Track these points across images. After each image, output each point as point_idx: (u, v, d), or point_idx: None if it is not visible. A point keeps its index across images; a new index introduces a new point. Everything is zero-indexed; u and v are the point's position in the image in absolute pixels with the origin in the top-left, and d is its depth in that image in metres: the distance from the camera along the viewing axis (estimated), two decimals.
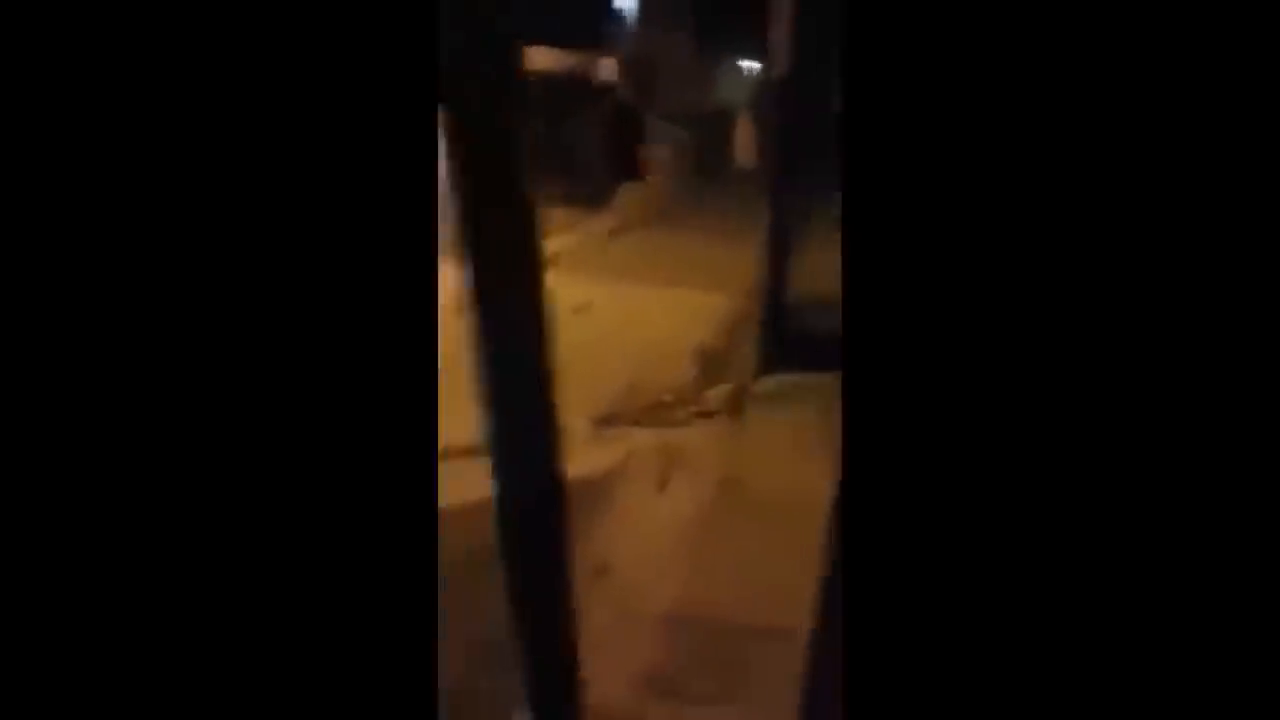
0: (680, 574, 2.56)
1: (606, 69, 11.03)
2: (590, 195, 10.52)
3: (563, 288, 6.72)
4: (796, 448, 3.42)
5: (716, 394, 4.24)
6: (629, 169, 12.37)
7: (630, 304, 6.42)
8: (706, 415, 4.03)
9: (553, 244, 8.52)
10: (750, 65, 14.32)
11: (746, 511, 2.99)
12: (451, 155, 0.89)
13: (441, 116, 0.86)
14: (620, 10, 13.74)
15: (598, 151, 11.32)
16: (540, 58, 8.86)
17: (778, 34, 3.84)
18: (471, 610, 1.40)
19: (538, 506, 1.19)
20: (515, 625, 1.27)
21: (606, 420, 4.12)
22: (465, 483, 1.38)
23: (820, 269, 3.21)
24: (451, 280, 0.96)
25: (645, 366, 4.79)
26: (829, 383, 3.30)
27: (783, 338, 4.30)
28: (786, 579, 2.38)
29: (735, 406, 4.03)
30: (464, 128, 0.89)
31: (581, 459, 3.73)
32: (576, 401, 4.23)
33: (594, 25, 12.22)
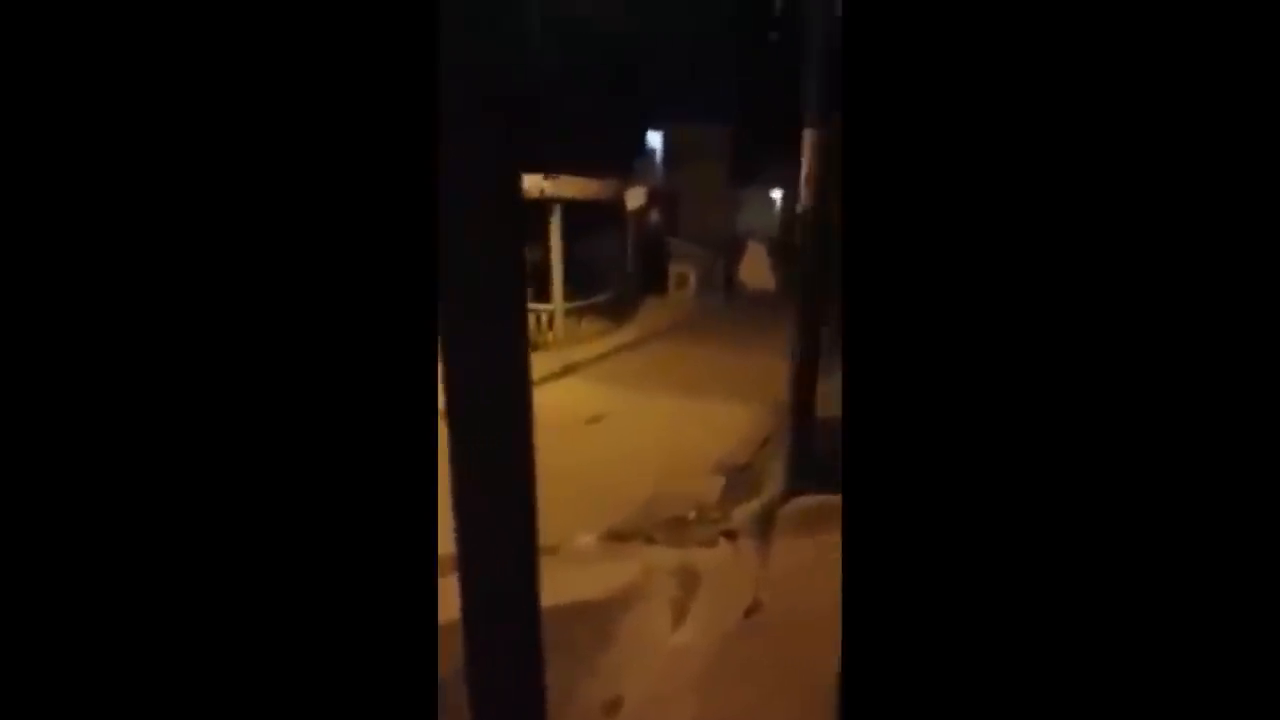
0: (695, 712, 2.24)
1: (636, 195, 11.59)
2: (615, 308, 10.71)
3: (582, 397, 6.69)
4: (825, 574, 3.11)
5: (742, 512, 3.93)
6: (654, 285, 12.75)
7: (652, 414, 6.19)
8: (731, 535, 3.71)
9: (574, 354, 8.58)
10: (777, 195, 15.08)
11: (769, 643, 2.65)
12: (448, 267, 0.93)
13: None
14: (651, 146, 14.82)
15: (624, 268, 11.67)
16: (574, 185, 9.31)
17: (807, 168, 3.92)
18: None
19: (511, 637, 1.01)
20: None
21: (621, 536, 3.82)
22: None
23: None
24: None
25: (666, 479, 4.51)
26: None
27: (813, 458, 4.06)
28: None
29: (763, 527, 3.72)
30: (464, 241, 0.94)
31: (592, 578, 3.44)
32: (588, 515, 4.08)
33: (626, 157, 13.12)
